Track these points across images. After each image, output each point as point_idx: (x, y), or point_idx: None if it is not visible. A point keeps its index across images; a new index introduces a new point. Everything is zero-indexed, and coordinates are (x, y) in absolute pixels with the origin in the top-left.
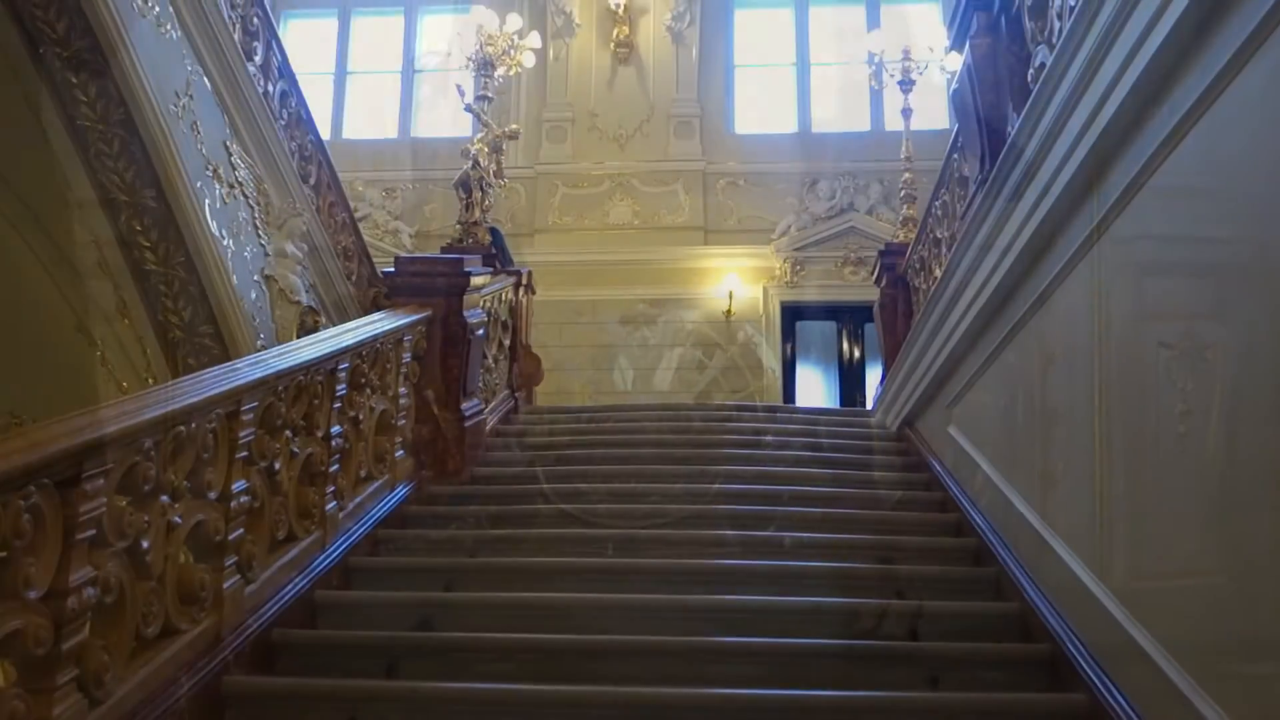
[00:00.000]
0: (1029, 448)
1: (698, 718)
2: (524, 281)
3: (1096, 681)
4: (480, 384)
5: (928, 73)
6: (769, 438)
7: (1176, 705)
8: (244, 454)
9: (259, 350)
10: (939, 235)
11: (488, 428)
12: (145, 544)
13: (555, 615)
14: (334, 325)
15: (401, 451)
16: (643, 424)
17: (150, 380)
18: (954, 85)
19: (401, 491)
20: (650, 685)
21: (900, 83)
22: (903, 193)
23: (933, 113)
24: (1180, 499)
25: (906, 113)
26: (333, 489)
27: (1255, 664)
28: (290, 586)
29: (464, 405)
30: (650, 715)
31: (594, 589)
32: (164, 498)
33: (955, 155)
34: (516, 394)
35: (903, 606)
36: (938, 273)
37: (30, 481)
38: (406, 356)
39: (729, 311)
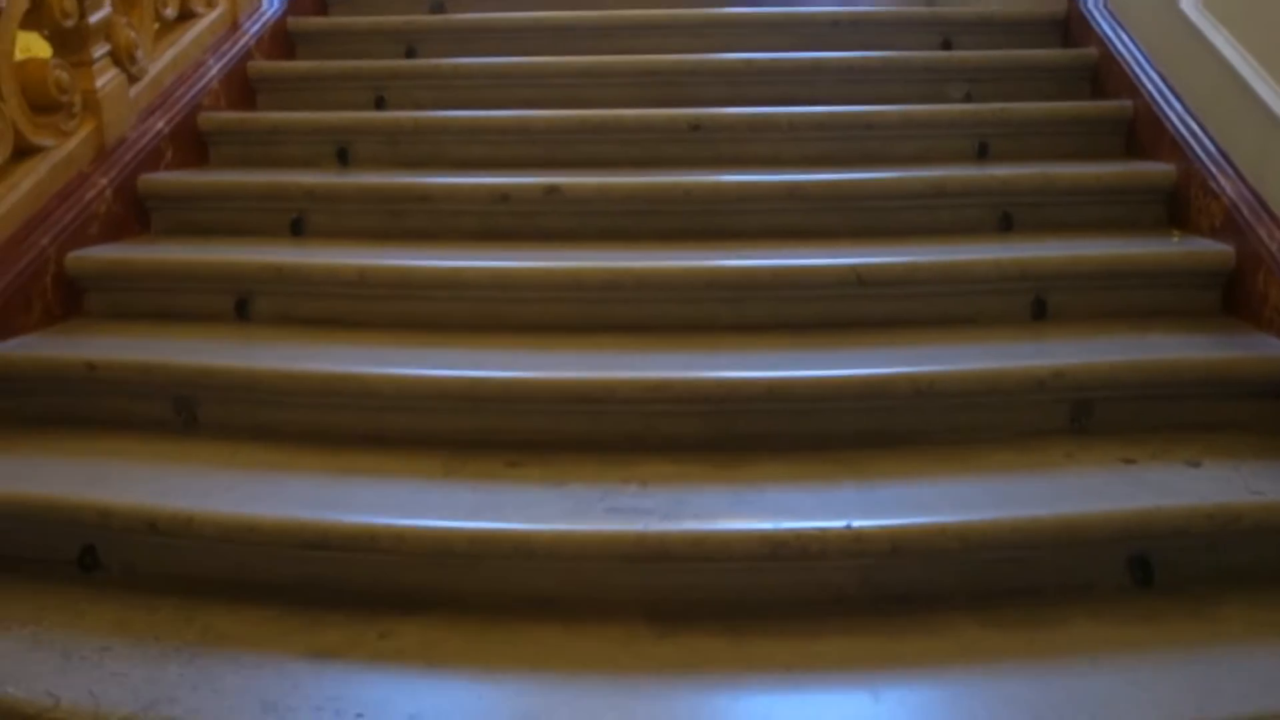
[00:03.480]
0: None
1: (709, 83)
2: None
3: (1109, 32)
4: None
5: None
6: None
7: (1188, 39)
8: None
9: None
10: None
11: None
12: None
13: None
14: None
15: None
16: None
17: None
18: None
19: None
20: (664, 54)
21: None
22: None
23: None
24: None
25: None
26: None
27: None
28: None
29: None
30: (663, 80)
31: None
32: None
33: None
34: None
35: None
36: None
37: None
38: None
39: None
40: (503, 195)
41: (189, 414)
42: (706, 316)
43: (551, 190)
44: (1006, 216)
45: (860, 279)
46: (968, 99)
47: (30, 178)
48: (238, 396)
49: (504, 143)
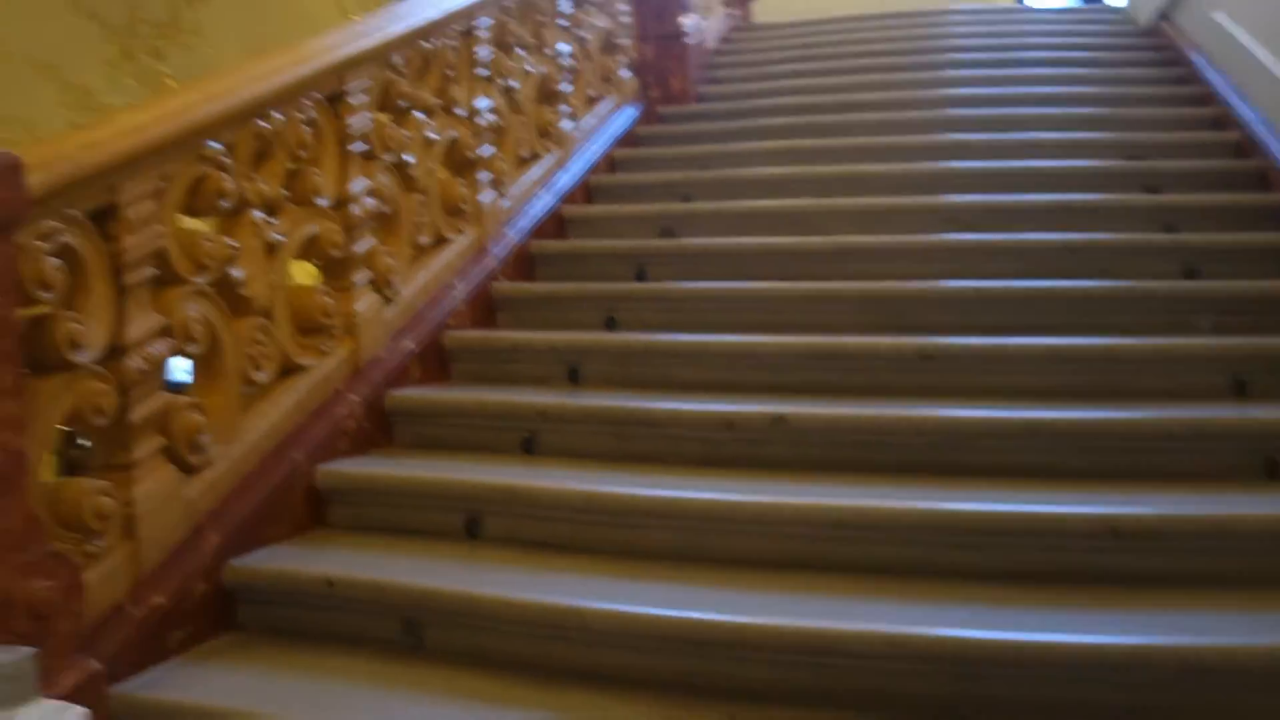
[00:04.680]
0: None
1: (937, 311)
2: None
3: None
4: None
5: None
6: (1004, 40)
7: None
8: (484, 71)
9: None
10: None
11: (709, 46)
12: (409, 158)
13: (792, 220)
14: None
15: (627, 72)
16: (869, 34)
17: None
18: None
19: (630, 112)
20: (890, 280)
21: None
22: None
23: None
24: None
25: None
26: (566, 108)
27: None
28: (538, 202)
29: (683, 21)
30: (890, 307)
31: (830, 194)
32: (418, 114)
33: None
34: (734, 10)
35: (1156, 201)
36: None
37: (303, 95)
38: None
39: None
40: (728, 423)
41: (416, 636)
42: (940, 563)
43: (777, 420)
44: (1273, 464)
45: (1114, 531)
46: (1215, 331)
47: (291, 395)
48: (461, 621)
49: (730, 367)
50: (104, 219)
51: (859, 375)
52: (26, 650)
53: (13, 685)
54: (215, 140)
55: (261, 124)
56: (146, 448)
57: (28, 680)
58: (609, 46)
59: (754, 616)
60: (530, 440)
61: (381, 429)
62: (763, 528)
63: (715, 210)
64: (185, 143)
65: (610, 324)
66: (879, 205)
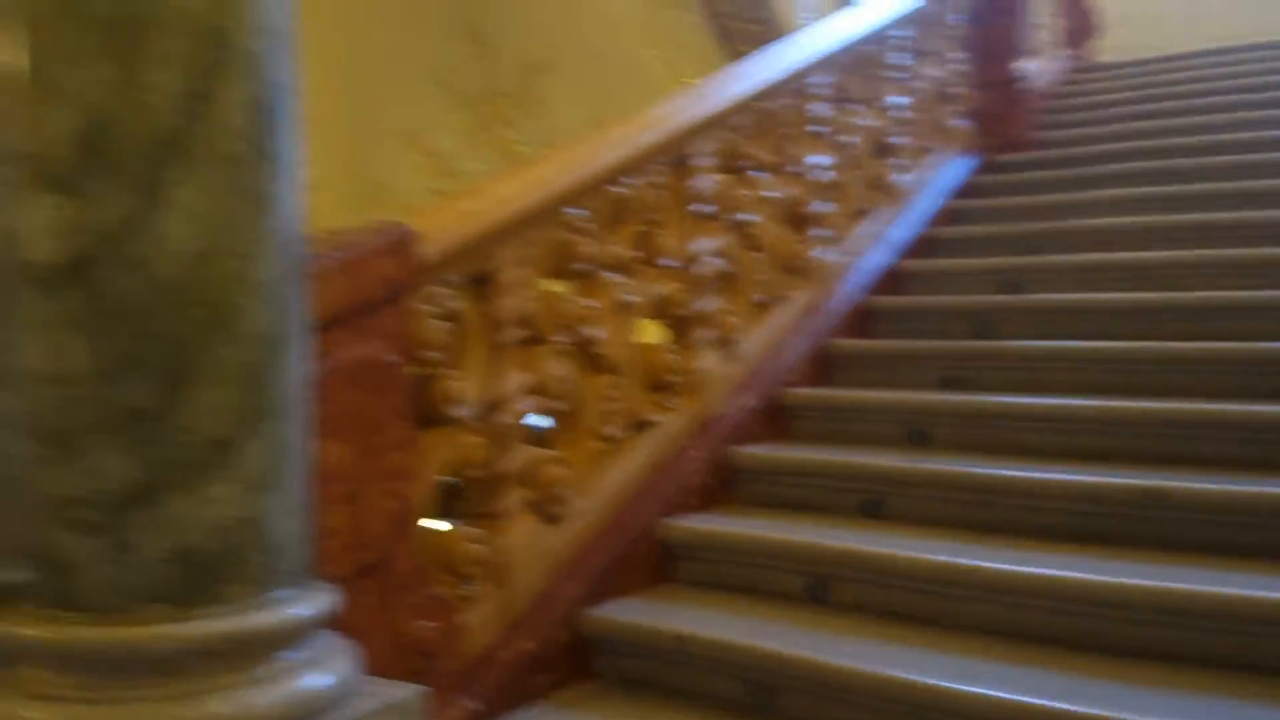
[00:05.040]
0: None
1: None
2: None
3: None
4: (1032, 43)
5: None
6: None
7: None
8: (818, 128)
9: None
10: None
11: (1047, 90)
12: (749, 217)
13: (1147, 274)
14: None
15: (961, 121)
16: (1222, 69)
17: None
18: None
19: (965, 162)
20: (1269, 341)
21: None
22: None
23: None
24: None
25: None
26: (899, 161)
27: None
28: (873, 257)
29: (1019, 66)
30: (1272, 372)
31: (1188, 245)
32: (755, 173)
33: None
34: (1072, 51)
35: None
36: None
37: (651, 161)
38: (956, 17)
39: None
40: (1094, 496)
41: (763, 699)
42: None
43: (1153, 494)
44: None
45: None
46: None
47: (641, 451)
48: (811, 689)
49: (1092, 434)
50: (481, 283)
51: (1246, 447)
52: (419, 688)
53: None
54: (574, 207)
55: (615, 190)
56: (513, 498)
57: (418, 717)
58: (942, 96)
59: (1146, 716)
60: (873, 503)
61: (724, 485)
62: (1143, 614)
63: (1060, 263)
64: (549, 210)
65: (950, 383)
66: (1249, 256)
